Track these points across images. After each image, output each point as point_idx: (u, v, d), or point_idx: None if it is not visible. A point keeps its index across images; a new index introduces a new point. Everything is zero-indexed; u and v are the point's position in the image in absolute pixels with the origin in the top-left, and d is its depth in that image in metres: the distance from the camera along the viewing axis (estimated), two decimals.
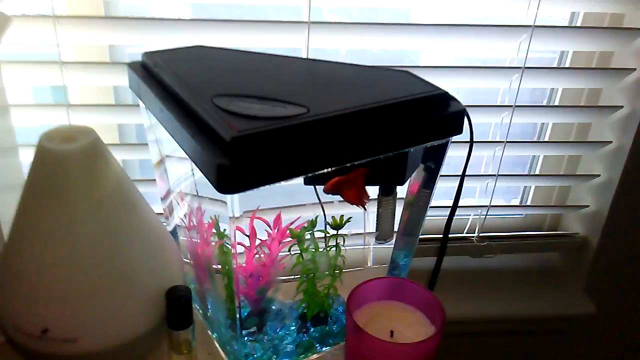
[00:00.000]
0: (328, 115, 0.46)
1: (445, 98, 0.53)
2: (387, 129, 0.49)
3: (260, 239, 0.58)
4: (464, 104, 0.72)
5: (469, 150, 0.59)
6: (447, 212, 0.95)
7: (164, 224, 0.67)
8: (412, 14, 0.88)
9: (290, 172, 0.46)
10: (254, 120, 0.45)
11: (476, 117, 0.87)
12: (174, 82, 0.51)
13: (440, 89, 0.53)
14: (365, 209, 0.57)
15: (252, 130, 0.43)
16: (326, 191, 0.54)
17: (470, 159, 0.98)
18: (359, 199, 0.55)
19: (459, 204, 0.95)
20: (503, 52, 0.87)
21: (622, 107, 0.89)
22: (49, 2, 0.69)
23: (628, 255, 1.01)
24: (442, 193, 1.02)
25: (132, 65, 0.58)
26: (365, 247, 0.70)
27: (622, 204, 0.94)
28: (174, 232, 0.66)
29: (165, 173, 0.63)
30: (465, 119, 0.55)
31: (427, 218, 0.95)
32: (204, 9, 0.82)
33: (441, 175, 0.85)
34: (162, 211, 0.69)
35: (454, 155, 0.78)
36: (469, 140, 0.59)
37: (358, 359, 0.55)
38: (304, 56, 0.77)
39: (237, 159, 0.42)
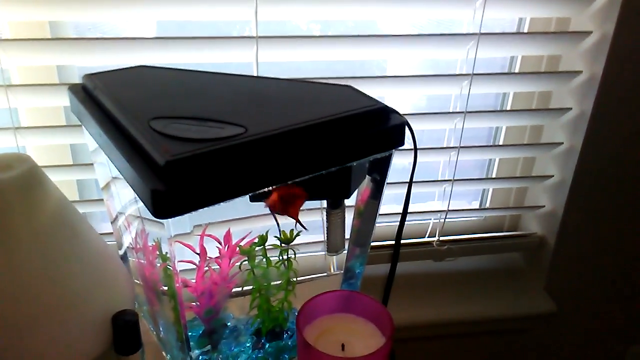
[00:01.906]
0: (265, 134, 0.47)
1: (385, 112, 0.53)
2: (327, 145, 0.49)
3: (210, 257, 0.58)
4: (417, 112, 0.72)
5: (414, 159, 0.60)
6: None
7: (112, 243, 0.67)
8: (379, 24, 0.89)
9: (228, 193, 0.46)
10: (189, 143, 0.45)
11: (430, 124, 0.89)
12: (111, 105, 0.51)
13: (380, 102, 0.53)
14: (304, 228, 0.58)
15: (186, 154, 0.43)
16: (269, 207, 0.54)
17: (431, 164, 1.00)
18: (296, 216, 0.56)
19: (419, 210, 0.97)
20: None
21: (571, 108, 0.91)
22: None
23: (584, 252, 1.03)
24: (402, 198, 1.03)
25: (73, 88, 0.58)
26: (326, 254, 0.70)
27: (575, 203, 0.96)
28: (124, 255, 0.66)
29: (113, 196, 0.62)
30: (408, 131, 0.56)
31: (386, 224, 0.97)
32: (167, 26, 0.82)
33: (400, 182, 0.87)
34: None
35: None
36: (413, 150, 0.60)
37: None
38: (254, 71, 0.78)
39: (172, 183, 0.42)
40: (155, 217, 0.43)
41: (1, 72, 0.71)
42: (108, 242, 0.61)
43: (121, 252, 0.66)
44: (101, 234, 0.81)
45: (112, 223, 0.67)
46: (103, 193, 0.65)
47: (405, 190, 0.63)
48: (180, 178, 0.43)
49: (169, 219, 0.44)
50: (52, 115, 0.80)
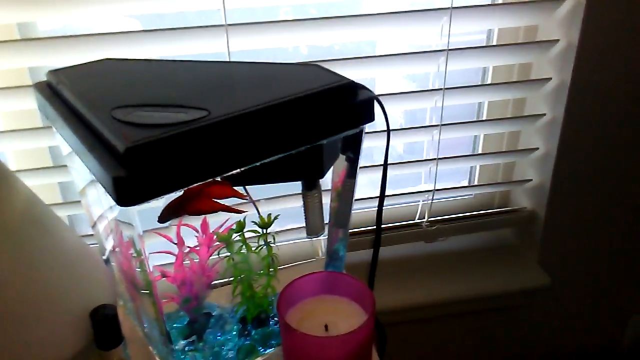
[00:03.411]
0: (228, 116, 0.46)
1: (352, 87, 0.52)
2: (294, 124, 0.49)
3: (189, 247, 0.58)
4: (397, 92, 0.70)
5: (387, 137, 0.59)
6: (391, 201, 0.96)
7: (94, 245, 0.66)
8: (364, 5, 0.89)
9: (194, 177, 0.45)
10: (151, 129, 0.44)
11: (409, 104, 0.88)
12: (74, 98, 0.50)
13: (347, 78, 0.53)
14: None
15: (147, 139, 0.42)
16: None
17: (416, 147, 0.99)
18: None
19: (406, 191, 0.97)
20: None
21: (550, 78, 0.90)
22: None
23: (575, 223, 1.03)
24: (390, 182, 1.02)
25: (38, 86, 0.57)
26: (307, 237, 0.69)
27: (562, 175, 0.96)
28: (108, 258, 0.65)
29: (90, 200, 0.61)
30: (380, 108, 0.55)
31: (373, 209, 0.96)
32: (151, 19, 0.81)
33: (390, 164, 0.86)
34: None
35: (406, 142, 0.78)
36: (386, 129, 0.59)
37: (295, 357, 0.54)
38: (227, 60, 0.77)
39: (134, 169, 0.42)
40: (119, 205, 0.42)
41: None
42: (92, 246, 0.61)
43: (105, 256, 0.66)
44: (85, 235, 0.81)
45: (92, 228, 0.66)
46: (81, 198, 0.64)
47: (392, 173, 0.62)
48: (142, 164, 0.42)
49: (136, 217, 0.44)
50: (29, 119, 0.79)
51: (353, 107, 0.52)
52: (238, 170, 0.47)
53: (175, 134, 0.43)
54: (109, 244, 0.63)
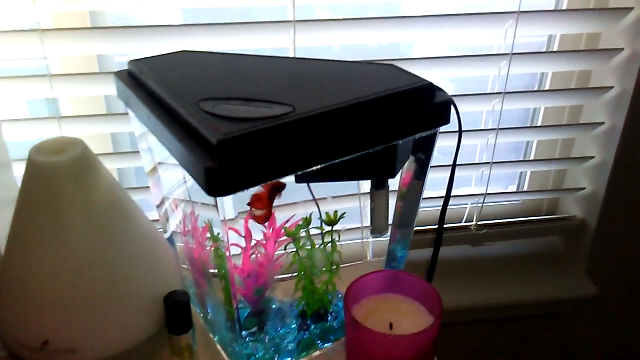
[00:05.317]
0: (313, 113, 0.47)
1: (430, 89, 0.53)
2: (374, 123, 0.49)
3: (256, 239, 0.59)
4: (454, 94, 0.71)
5: (458, 139, 0.60)
6: (437, 202, 0.96)
7: (160, 230, 0.68)
8: (403, 7, 0.89)
9: (278, 171, 0.46)
10: (239, 122, 0.45)
11: (467, 106, 0.88)
12: (160, 89, 0.51)
13: (425, 80, 0.53)
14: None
15: (238, 132, 0.43)
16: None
17: (466, 147, 0.98)
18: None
19: (456, 194, 0.97)
20: (493, 39, 0.87)
21: (612, 87, 0.89)
22: (34, 16, 0.70)
23: (626, 235, 1.01)
24: (440, 183, 1.02)
25: (119, 74, 0.58)
26: (364, 240, 0.70)
27: (617, 184, 0.94)
28: (170, 239, 0.66)
29: (159, 180, 0.63)
30: (453, 109, 0.55)
31: (425, 209, 0.96)
32: (194, 13, 0.82)
33: (437, 166, 0.87)
34: (158, 218, 0.70)
35: (450, 145, 0.78)
36: (458, 129, 0.59)
37: (358, 353, 0.55)
38: (291, 55, 0.78)
39: (224, 161, 0.43)
40: (209, 195, 0.43)
41: (45, 63, 0.72)
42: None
43: (166, 236, 0.67)
44: None
45: (157, 208, 0.67)
46: (149, 178, 0.66)
47: (442, 175, 0.63)
48: (232, 156, 0.43)
49: (222, 201, 0.45)
50: (94, 105, 0.81)
51: (431, 109, 0.53)
52: (319, 165, 0.48)
53: (265, 128, 0.44)
54: (172, 225, 0.65)
